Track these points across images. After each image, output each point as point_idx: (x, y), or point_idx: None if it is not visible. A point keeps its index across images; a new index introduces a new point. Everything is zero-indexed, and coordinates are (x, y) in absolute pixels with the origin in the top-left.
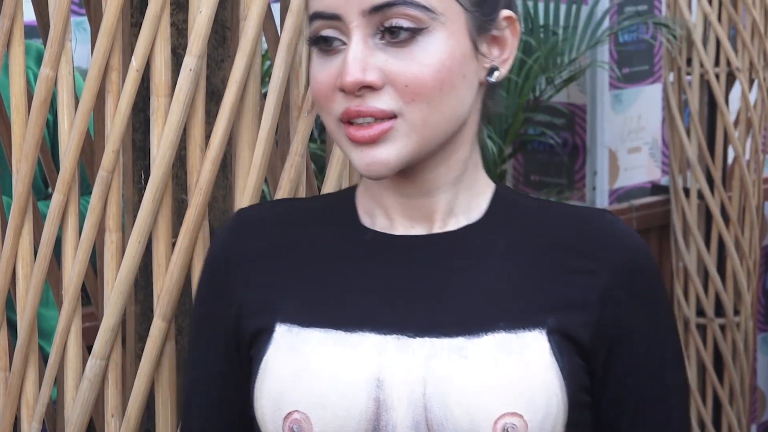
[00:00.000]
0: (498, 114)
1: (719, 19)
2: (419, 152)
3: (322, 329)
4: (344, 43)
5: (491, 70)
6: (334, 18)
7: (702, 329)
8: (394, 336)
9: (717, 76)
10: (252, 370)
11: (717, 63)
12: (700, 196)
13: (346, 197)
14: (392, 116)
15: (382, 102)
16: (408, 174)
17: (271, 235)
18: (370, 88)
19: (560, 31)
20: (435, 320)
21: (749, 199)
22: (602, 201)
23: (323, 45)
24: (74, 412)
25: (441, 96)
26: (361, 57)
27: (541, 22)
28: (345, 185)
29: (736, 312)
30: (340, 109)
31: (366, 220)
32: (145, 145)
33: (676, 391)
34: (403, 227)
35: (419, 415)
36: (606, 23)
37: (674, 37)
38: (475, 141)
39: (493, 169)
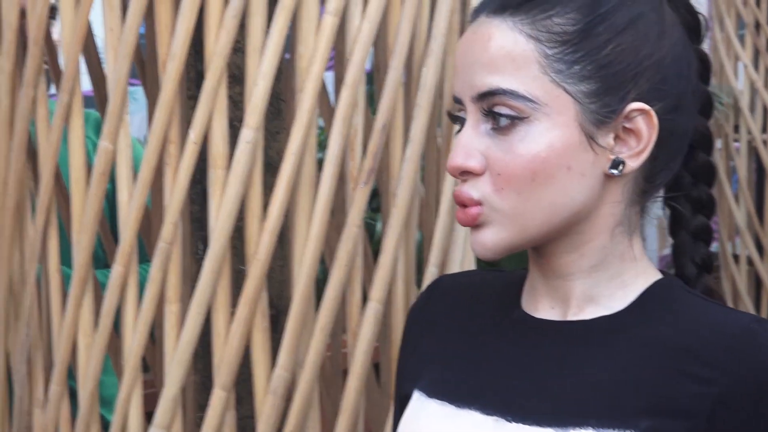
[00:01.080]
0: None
1: (766, 85)
2: (520, 238)
3: (439, 401)
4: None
5: (616, 163)
6: (459, 101)
7: None
8: (494, 417)
9: (765, 143)
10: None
11: (764, 129)
12: (750, 262)
13: (523, 276)
14: (477, 203)
15: (474, 188)
16: (543, 257)
17: (450, 304)
18: (471, 172)
19: None
20: (534, 407)
21: None
22: None
23: (457, 123)
24: None
25: (533, 186)
26: (466, 142)
27: None
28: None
29: None
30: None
31: (525, 298)
32: (202, 216)
33: None
34: (544, 309)
35: None
36: None
37: (721, 104)
38: (620, 232)
39: None
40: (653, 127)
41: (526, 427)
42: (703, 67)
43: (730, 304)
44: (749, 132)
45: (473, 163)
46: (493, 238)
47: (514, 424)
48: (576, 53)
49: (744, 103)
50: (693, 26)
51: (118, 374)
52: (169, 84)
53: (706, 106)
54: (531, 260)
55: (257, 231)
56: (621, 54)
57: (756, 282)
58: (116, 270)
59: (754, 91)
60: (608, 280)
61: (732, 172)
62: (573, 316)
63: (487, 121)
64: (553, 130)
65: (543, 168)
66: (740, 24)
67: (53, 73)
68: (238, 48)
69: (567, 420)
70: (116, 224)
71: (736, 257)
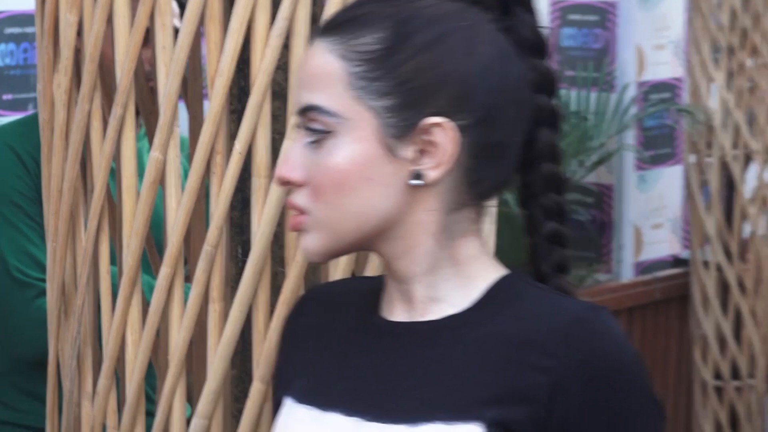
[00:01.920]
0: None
1: (737, 105)
2: (337, 244)
3: (307, 406)
4: None
5: (416, 175)
6: (299, 114)
7: (719, 391)
8: (355, 418)
9: (735, 158)
10: None
11: (735, 146)
12: (719, 268)
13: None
14: (302, 211)
15: (298, 198)
16: (384, 262)
17: (321, 313)
18: (290, 182)
19: (591, 117)
20: (388, 407)
21: (764, 271)
22: (627, 273)
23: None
24: None
25: (339, 197)
26: (291, 155)
27: (573, 108)
28: None
29: (751, 375)
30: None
31: (383, 304)
32: (242, 222)
33: None
34: (397, 312)
35: None
36: (633, 110)
37: (696, 122)
38: (445, 237)
39: None
40: (451, 140)
41: (382, 425)
42: (544, 80)
43: (699, 306)
44: (721, 148)
45: (294, 175)
46: (314, 243)
47: (372, 424)
48: (377, 71)
49: (717, 121)
50: (533, 43)
51: (157, 371)
52: (217, 99)
53: (548, 117)
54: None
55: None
56: (420, 71)
57: (724, 286)
58: (164, 271)
59: (726, 110)
60: (446, 281)
61: (703, 185)
62: (420, 317)
63: (308, 135)
64: (354, 143)
65: (345, 179)
66: (714, 48)
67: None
68: (279, 66)
69: (418, 416)
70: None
71: (705, 263)
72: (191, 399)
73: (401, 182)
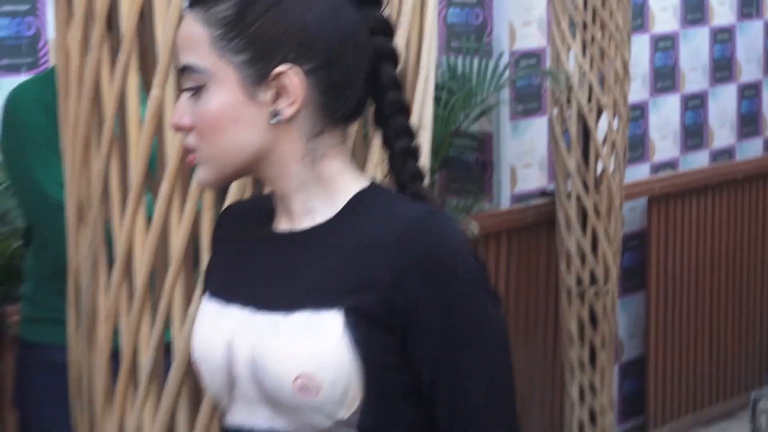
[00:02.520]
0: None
1: (590, 69)
2: (222, 174)
3: (216, 300)
4: None
5: (274, 114)
6: (182, 70)
7: (580, 295)
8: (247, 309)
9: (589, 110)
10: None
11: (589, 101)
12: (578, 198)
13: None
14: (194, 149)
15: (190, 139)
16: (266, 184)
17: (230, 226)
18: (183, 128)
19: (474, 78)
20: (271, 300)
21: (614, 200)
22: (505, 203)
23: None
24: (182, 338)
25: (215, 137)
26: (180, 106)
27: (459, 72)
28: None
29: (605, 282)
30: None
31: (276, 217)
32: None
33: (475, 372)
34: (281, 224)
35: (252, 371)
36: (507, 73)
37: (557, 82)
38: (309, 160)
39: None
40: (299, 83)
41: (266, 314)
42: (379, 25)
43: (563, 228)
44: (578, 103)
45: (183, 122)
46: (204, 174)
47: (258, 313)
48: (232, 32)
49: (575, 81)
50: None
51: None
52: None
53: (388, 54)
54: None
55: None
56: (265, 29)
57: (582, 212)
58: (164, 187)
59: (582, 72)
60: (315, 196)
61: (564, 132)
62: (297, 227)
63: (189, 89)
64: (221, 93)
65: (217, 122)
66: (571, 23)
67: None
68: None
69: (291, 307)
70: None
71: (568, 194)
72: None
73: (264, 121)
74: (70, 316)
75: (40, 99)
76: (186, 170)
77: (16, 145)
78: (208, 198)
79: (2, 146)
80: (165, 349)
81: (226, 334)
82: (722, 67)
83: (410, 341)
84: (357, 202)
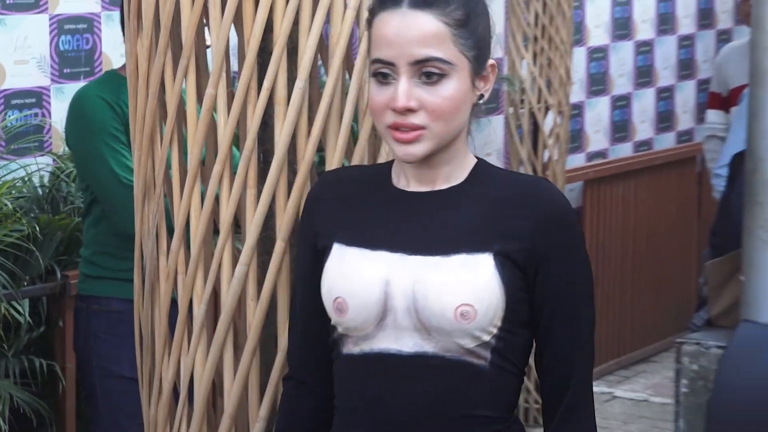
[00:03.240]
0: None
1: (540, 75)
2: (436, 150)
3: (357, 248)
4: (395, 79)
5: (480, 96)
6: (390, 64)
7: None
8: (398, 254)
9: (538, 109)
10: (320, 272)
11: (539, 101)
12: None
13: (387, 167)
14: (421, 128)
15: (417, 119)
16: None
17: (341, 188)
18: (410, 110)
19: None
20: (424, 244)
21: (557, 183)
22: None
23: (381, 78)
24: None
25: (453, 117)
26: (406, 90)
27: None
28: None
29: None
30: (390, 121)
31: (395, 181)
32: (264, 136)
33: (583, 305)
34: (415, 187)
35: (410, 303)
36: None
37: (513, 86)
38: (464, 134)
39: None
40: (495, 73)
41: (422, 257)
42: None
43: None
44: (529, 103)
45: (413, 104)
46: (422, 149)
47: (413, 256)
48: (465, 32)
49: (527, 85)
50: None
51: None
52: (251, 54)
53: None
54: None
55: (305, 143)
56: (483, 31)
57: None
58: (216, 168)
59: (532, 78)
60: (456, 166)
61: (518, 127)
62: (432, 188)
63: (419, 77)
64: (460, 80)
65: (458, 104)
66: (524, 37)
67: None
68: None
69: (448, 250)
70: None
71: None
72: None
73: (472, 102)
74: (136, 276)
75: (101, 97)
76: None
77: (86, 137)
78: (252, 177)
79: (71, 138)
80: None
81: (380, 272)
82: (644, 74)
83: (538, 279)
84: (478, 170)
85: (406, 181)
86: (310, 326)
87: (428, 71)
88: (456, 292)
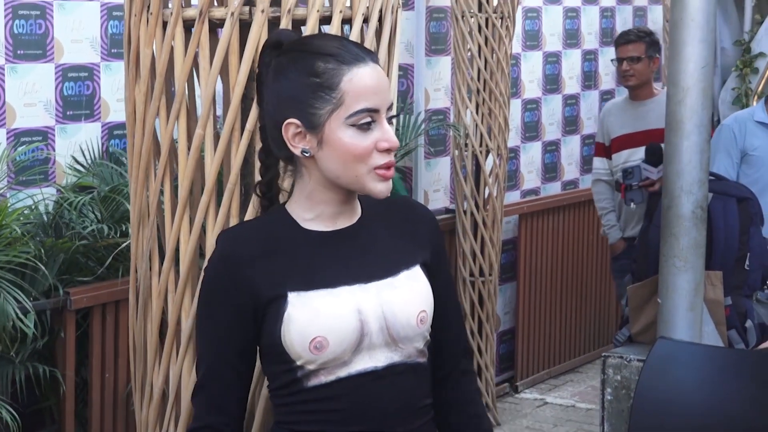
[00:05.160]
0: None
1: (482, 122)
2: None
3: (317, 290)
4: (374, 124)
5: None
6: (376, 111)
7: (472, 284)
8: (357, 285)
9: (480, 152)
10: (271, 321)
11: (480, 145)
12: (472, 213)
13: (278, 215)
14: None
15: (392, 158)
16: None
17: (255, 244)
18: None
19: (401, 129)
20: (373, 271)
21: (496, 215)
22: None
23: (365, 126)
24: None
25: None
26: (391, 131)
27: None
28: None
29: (490, 274)
30: (378, 162)
31: (304, 224)
32: (244, 172)
33: (454, 292)
34: (330, 226)
35: (381, 320)
36: (423, 125)
37: (458, 132)
38: None
39: None
40: None
41: (377, 282)
42: None
43: (461, 236)
44: (473, 146)
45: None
46: (390, 186)
47: (371, 284)
48: None
49: (470, 131)
50: None
51: None
52: (235, 98)
53: None
54: (336, 196)
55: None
56: None
57: (474, 225)
58: (203, 199)
59: (475, 125)
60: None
61: (463, 167)
62: (347, 224)
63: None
64: None
65: None
66: (468, 89)
67: (166, 93)
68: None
69: (392, 271)
70: None
71: (465, 211)
72: None
73: None
74: (131, 293)
75: None
76: (219, 189)
77: None
78: (234, 207)
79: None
80: None
81: (351, 304)
82: (571, 123)
83: (436, 275)
84: (361, 201)
85: (319, 223)
86: (238, 375)
87: (391, 114)
88: (414, 302)
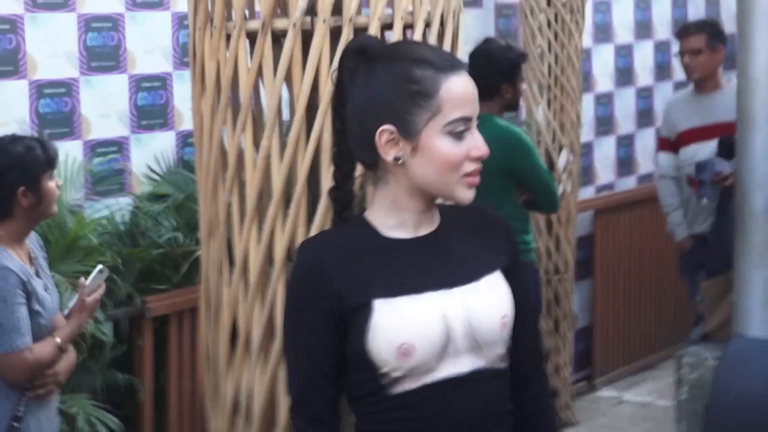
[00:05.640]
0: None
1: (554, 118)
2: None
3: (404, 296)
4: (467, 132)
5: None
6: (469, 119)
7: (548, 282)
8: (441, 291)
9: (553, 148)
10: (357, 329)
11: (553, 141)
12: None
13: (359, 224)
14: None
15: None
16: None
17: (338, 252)
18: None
19: None
20: (456, 277)
21: (571, 212)
22: None
23: (458, 134)
24: None
25: None
26: (483, 140)
27: None
28: None
29: (565, 272)
30: (468, 169)
31: (385, 233)
32: (311, 181)
33: (529, 297)
34: (411, 233)
35: (467, 325)
36: None
37: (531, 128)
38: None
39: None
40: None
41: (462, 287)
42: None
43: (536, 235)
44: (545, 143)
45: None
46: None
47: (455, 289)
48: None
49: (543, 128)
50: None
51: None
52: (300, 110)
53: None
54: (420, 203)
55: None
56: None
57: (549, 222)
58: (272, 210)
59: (548, 121)
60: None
61: None
62: (428, 231)
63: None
64: None
65: None
66: (539, 86)
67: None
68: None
69: (474, 276)
70: None
71: None
72: None
73: None
74: (203, 304)
75: None
76: (287, 199)
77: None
78: (302, 217)
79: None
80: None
81: (436, 309)
82: (645, 116)
83: (512, 283)
84: (440, 209)
85: (402, 230)
86: (331, 385)
87: (474, 124)
88: (497, 307)
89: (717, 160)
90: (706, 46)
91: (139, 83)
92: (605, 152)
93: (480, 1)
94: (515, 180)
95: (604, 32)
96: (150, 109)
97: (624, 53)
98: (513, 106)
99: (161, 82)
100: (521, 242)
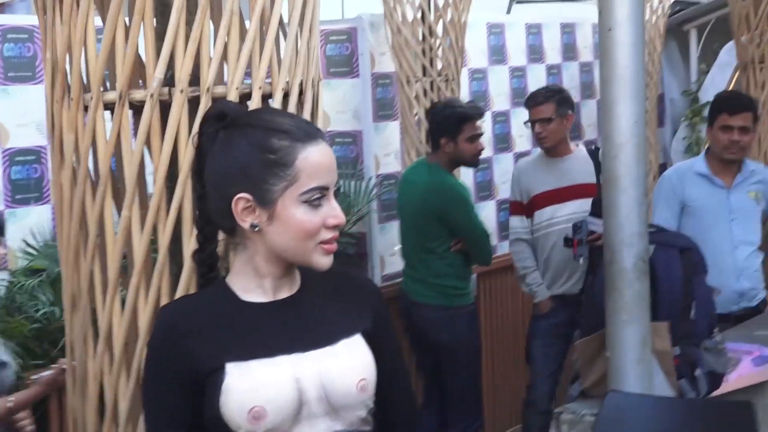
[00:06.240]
0: None
1: None
2: None
3: (256, 359)
4: (324, 201)
5: None
6: (326, 189)
7: None
8: (295, 354)
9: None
10: (211, 393)
11: None
12: None
13: (218, 289)
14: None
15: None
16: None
17: (194, 318)
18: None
19: (352, 194)
20: (311, 340)
21: None
22: (377, 281)
23: (316, 203)
24: None
25: None
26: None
27: (342, 190)
28: None
29: None
30: (325, 237)
31: (243, 296)
32: (174, 250)
33: (402, 359)
34: (270, 297)
35: (320, 389)
36: (374, 190)
37: None
38: None
39: None
40: None
41: (315, 350)
42: None
43: None
44: None
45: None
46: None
47: (309, 352)
48: None
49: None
50: None
51: None
52: (162, 168)
53: None
54: (279, 268)
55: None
56: None
57: None
58: (133, 281)
59: None
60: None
61: None
62: (286, 294)
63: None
64: None
65: None
66: (417, 153)
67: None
68: None
69: (330, 339)
70: None
71: None
72: None
73: None
74: (68, 376)
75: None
76: (149, 268)
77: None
78: (165, 286)
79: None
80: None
81: (289, 373)
82: None
83: (379, 346)
84: (301, 272)
85: (260, 294)
86: None
87: (333, 192)
88: (354, 370)
89: (590, 219)
90: (555, 115)
91: (12, 157)
92: (485, 216)
93: (357, 71)
94: (450, 228)
95: (481, 100)
96: (25, 183)
97: (501, 119)
98: (466, 161)
99: (35, 155)
100: (452, 287)
